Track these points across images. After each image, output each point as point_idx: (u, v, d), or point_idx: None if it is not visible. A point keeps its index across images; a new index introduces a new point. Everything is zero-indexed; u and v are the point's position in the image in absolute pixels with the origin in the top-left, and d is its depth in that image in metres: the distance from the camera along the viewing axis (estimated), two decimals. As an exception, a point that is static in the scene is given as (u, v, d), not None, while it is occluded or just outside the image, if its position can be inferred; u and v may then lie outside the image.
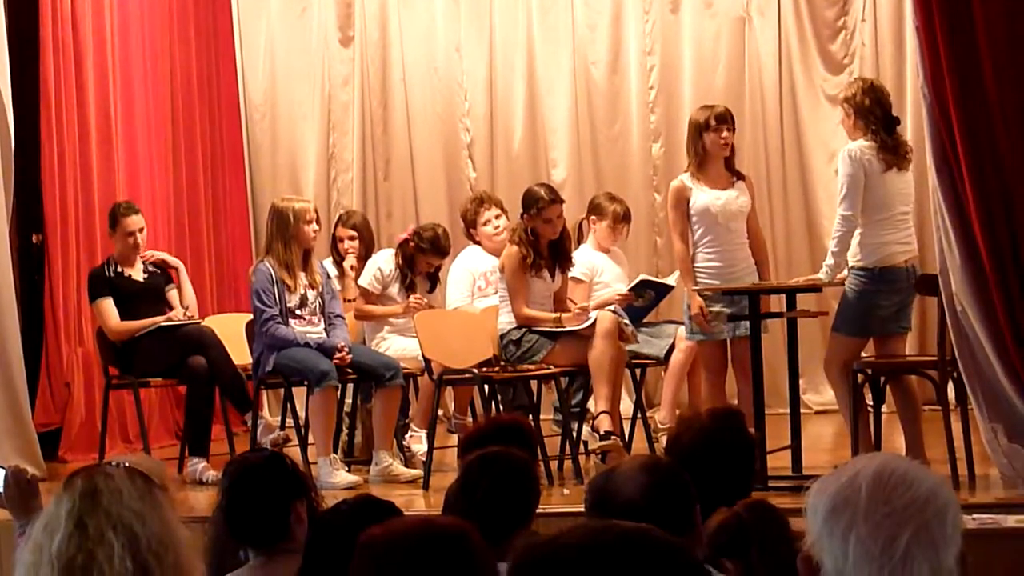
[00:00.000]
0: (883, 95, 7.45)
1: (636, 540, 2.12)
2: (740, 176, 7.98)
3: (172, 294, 8.73)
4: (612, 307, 8.15)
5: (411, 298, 8.60)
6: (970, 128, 6.71)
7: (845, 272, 7.34)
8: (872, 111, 7.32)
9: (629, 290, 8.55)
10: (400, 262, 8.74)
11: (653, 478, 3.31)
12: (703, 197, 7.80)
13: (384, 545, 2.69)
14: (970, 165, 6.70)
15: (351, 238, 9.13)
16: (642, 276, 8.89)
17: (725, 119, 7.84)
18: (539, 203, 8.07)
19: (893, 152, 7.29)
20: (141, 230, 8.63)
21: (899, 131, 7.43)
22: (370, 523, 3.03)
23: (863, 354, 7.42)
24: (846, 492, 2.27)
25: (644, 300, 8.63)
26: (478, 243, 8.99)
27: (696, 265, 7.87)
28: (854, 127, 7.39)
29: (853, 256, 7.32)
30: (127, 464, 2.96)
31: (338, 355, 7.95)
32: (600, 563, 2.08)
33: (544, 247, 8.12)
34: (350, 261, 9.06)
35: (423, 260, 8.75)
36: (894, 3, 10.67)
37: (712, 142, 7.77)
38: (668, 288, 8.72)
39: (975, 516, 5.98)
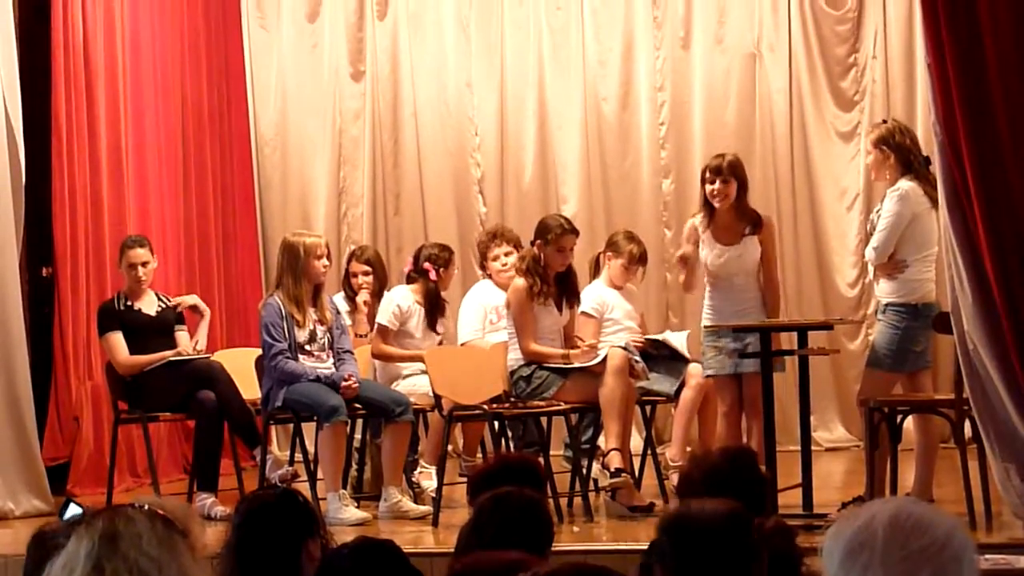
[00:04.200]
0: (914, 134, 7.53)
1: None
2: (757, 227, 7.93)
3: (180, 335, 8.68)
4: (623, 343, 8.12)
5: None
6: (982, 166, 6.69)
7: (873, 309, 7.40)
8: (911, 150, 7.36)
9: (647, 339, 8.46)
10: (425, 291, 8.70)
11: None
12: (704, 252, 7.85)
13: None
14: (982, 203, 6.67)
15: (365, 273, 9.10)
16: (666, 335, 8.61)
17: (716, 170, 7.82)
18: (556, 230, 8.11)
19: (934, 189, 7.19)
20: (144, 263, 8.55)
21: (931, 169, 7.40)
22: (370, 566, 3.01)
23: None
24: (862, 536, 2.25)
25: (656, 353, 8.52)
26: (490, 276, 9.00)
27: (704, 302, 7.91)
28: (893, 168, 7.39)
29: (893, 293, 7.38)
30: (150, 507, 2.93)
31: (344, 383, 7.91)
32: None
33: (551, 279, 8.13)
34: (363, 296, 9.04)
35: (437, 262, 8.74)
36: (905, 40, 10.69)
37: (706, 193, 7.83)
38: (681, 356, 8.48)
39: (987, 556, 5.94)
